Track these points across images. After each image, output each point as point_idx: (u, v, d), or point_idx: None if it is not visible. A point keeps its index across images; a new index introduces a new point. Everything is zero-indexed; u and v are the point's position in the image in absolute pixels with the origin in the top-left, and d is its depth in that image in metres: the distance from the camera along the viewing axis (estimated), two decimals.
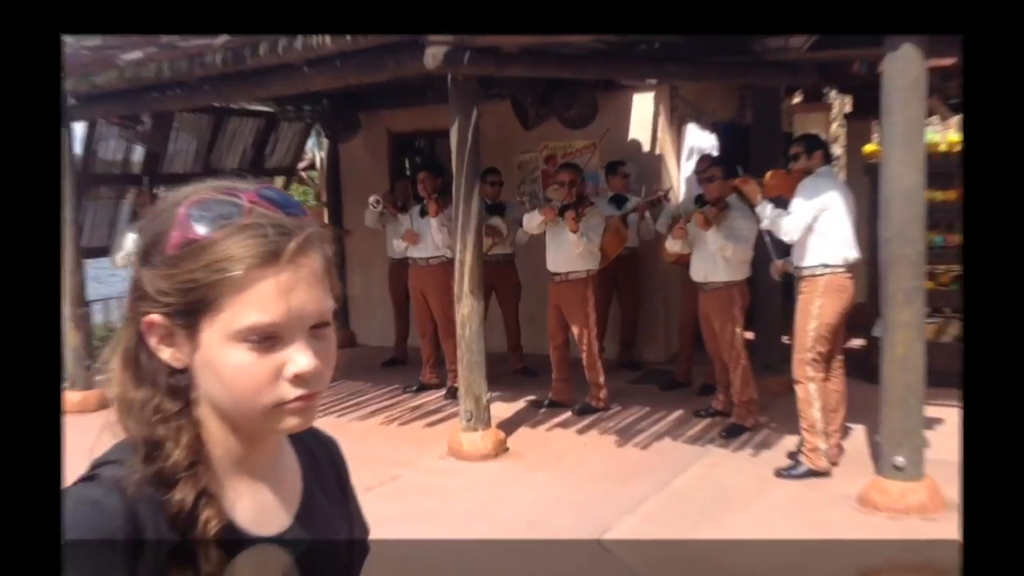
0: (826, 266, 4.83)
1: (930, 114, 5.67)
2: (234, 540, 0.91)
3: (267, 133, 9.00)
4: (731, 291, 5.61)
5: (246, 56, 5.47)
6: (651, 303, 7.80)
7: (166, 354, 0.91)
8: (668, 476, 4.94)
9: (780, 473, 4.85)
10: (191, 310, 0.88)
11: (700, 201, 6.24)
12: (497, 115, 7.36)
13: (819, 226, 4.82)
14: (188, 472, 0.89)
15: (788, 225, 4.82)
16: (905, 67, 4.18)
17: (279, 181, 9.59)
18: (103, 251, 8.07)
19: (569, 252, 6.08)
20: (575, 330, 6.24)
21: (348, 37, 5.00)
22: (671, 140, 7.88)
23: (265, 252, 0.88)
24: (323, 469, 1.08)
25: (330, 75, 5.64)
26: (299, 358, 0.88)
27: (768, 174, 5.11)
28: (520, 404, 6.46)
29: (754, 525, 4.26)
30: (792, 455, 5.03)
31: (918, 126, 4.30)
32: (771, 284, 6.60)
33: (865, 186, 7.13)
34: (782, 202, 5.12)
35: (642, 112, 7.79)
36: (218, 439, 0.93)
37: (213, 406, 0.92)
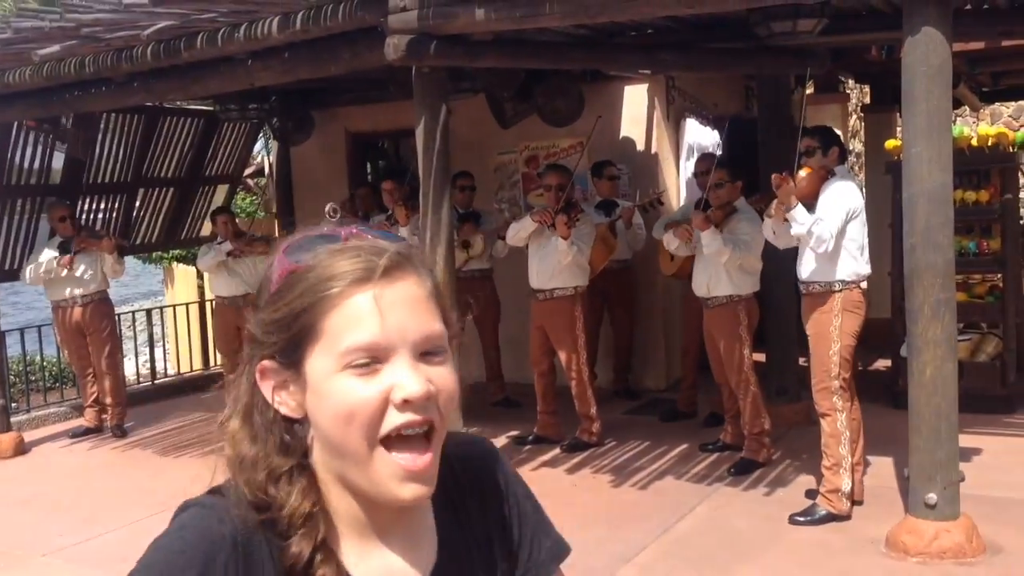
0: (844, 282, 4.84)
1: (958, 105, 5.73)
2: None
3: (207, 136, 8.98)
4: (736, 307, 5.63)
5: (181, 48, 5.46)
6: (649, 323, 7.81)
7: (281, 403, 1.00)
8: (670, 520, 4.92)
9: (795, 519, 4.84)
10: (295, 342, 0.98)
11: (702, 205, 6.26)
12: (470, 112, 7.37)
13: (842, 237, 4.84)
14: (305, 525, 0.98)
15: (825, 233, 4.77)
16: (928, 51, 4.22)
17: (222, 190, 9.55)
18: (14, 274, 8.00)
19: (554, 265, 6.08)
20: (562, 355, 6.23)
21: (297, 25, 5.00)
22: (668, 137, 7.93)
23: (359, 269, 0.97)
24: (469, 503, 1.12)
25: (278, 69, 5.64)
26: (405, 381, 0.95)
27: (802, 173, 5.04)
28: (502, 440, 6.44)
29: (770, 574, 4.24)
30: (811, 493, 5.03)
31: (944, 117, 4.34)
32: (784, 298, 6.63)
33: (887, 186, 7.21)
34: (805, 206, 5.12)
35: (635, 106, 7.83)
36: (338, 496, 1.01)
37: (329, 463, 1.00)
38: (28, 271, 7.39)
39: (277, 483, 0.99)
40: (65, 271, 7.18)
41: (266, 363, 1.00)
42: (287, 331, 0.98)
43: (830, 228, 4.79)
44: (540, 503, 1.19)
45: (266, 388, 1.01)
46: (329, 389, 0.96)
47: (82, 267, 7.27)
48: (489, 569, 1.11)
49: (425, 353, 0.98)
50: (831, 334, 4.83)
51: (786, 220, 4.88)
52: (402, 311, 0.97)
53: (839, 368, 4.82)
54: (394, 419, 0.96)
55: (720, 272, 5.59)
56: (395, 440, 0.97)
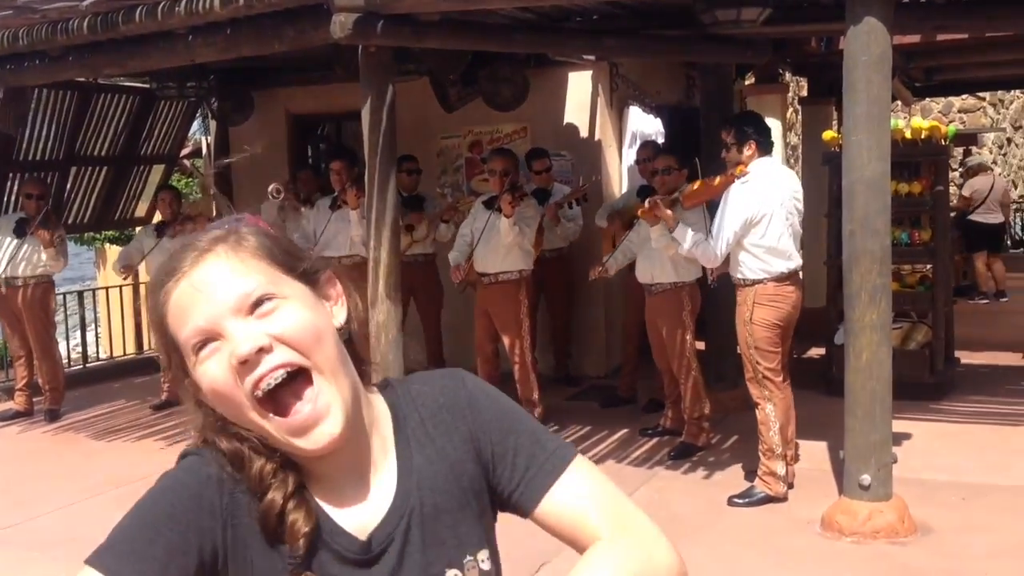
0: (754, 280, 4.90)
1: (891, 98, 5.85)
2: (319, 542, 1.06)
3: (143, 114, 8.77)
4: (680, 293, 5.69)
5: (119, 22, 5.33)
6: (590, 310, 7.86)
7: (205, 402, 1.09)
8: None
9: (734, 501, 4.93)
10: (171, 358, 1.08)
11: (643, 193, 6.31)
12: (413, 95, 7.32)
13: (747, 241, 4.87)
14: (275, 479, 1.06)
15: (709, 253, 4.90)
16: (870, 41, 4.31)
17: (158, 170, 9.35)
18: None
19: (499, 247, 6.08)
20: (506, 340, 6.24)
21: (241, 1, 4.91)
22: (611, 124, 7.98)
23: (170, 270, 1.07)
24: (439, 428, 1.15)
25: (220, 46, 5.53)
26: (235, 346, 1.02)
27: (694, 184, 5.14)
28: None
29: (711, 554, 4.31)
30: (749, 476, 5.12)
31: (884, 107, 4.44)
32: (724, 287, 6.73)
33: (824, 176, 7.35)
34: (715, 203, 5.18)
35: (579, 92, 7.86)
36: (300, 461, 1.09)
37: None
38: None
39: (238, 456, 1.07)
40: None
41: (187, 380, 1.09)
42: (168, 353, 1.08)
43: (718, 246, 4.87)
44: (529, 418, 1.18)
45: (198, 389, 1.08)
46: (199, 381, 1.05)
47: (26, 249, 7.07)
48: (460, 493, 1.13)
49: (255, 308, 1.04)
50: (746, 327, 4.91)
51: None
52: (211, 286, 1.04)
53: (758, 358, 4.87)
54: (248, 383, 1.03)
55: (664, 260, 5.63)
56: (282, 394, 1.03)
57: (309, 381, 1.04)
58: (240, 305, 1.03)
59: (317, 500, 1.09)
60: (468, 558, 1.12)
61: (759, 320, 4.86)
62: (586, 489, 1.12)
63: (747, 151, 4.95)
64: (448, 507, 1.12)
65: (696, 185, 5.09)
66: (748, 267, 4.90)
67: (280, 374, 1.02)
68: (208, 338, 1.03)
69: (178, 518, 1.04)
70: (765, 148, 5.00)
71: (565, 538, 1.12)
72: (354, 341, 1.13)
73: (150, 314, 1.10)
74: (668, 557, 1.08)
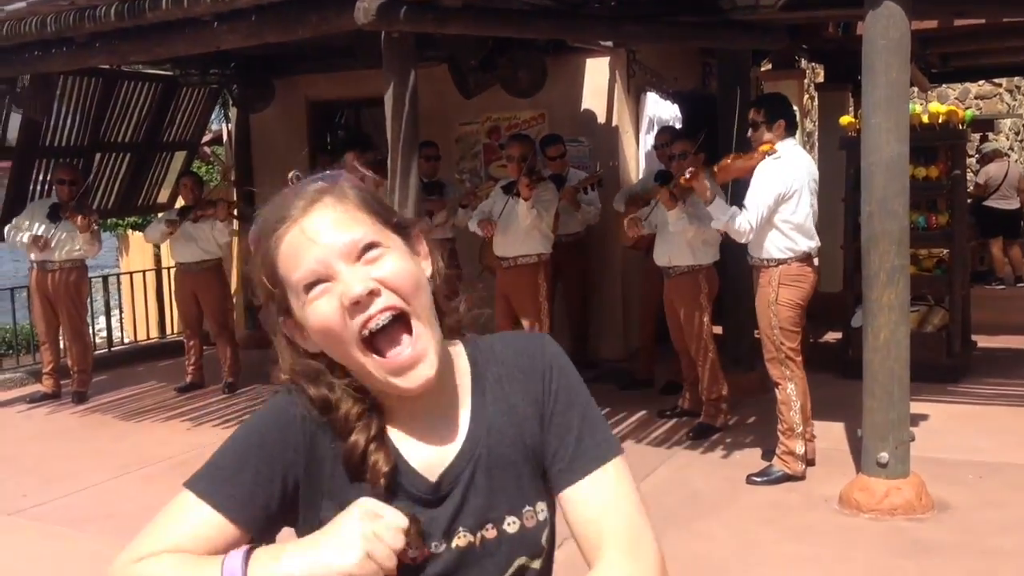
0: (779, 260, 4.95)
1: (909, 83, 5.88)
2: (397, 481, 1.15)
3: (166, 101, 8.86)
4: (697, 276, 5.75)
5: (145, 8, 5.40)
6: (607, 294, 7.92)
7: (304, 345, 1.17)
8: None
9: (752, 479, 5.00)
10: (276, 300, 1.16)
11: (662, 178, 6.36)
12: (433, 82, 7.38)
13: (777, 218, 4.93)
14: (359, 422, 1.14)
15: (744, 227, 4.88)
16: (889, 25, 4.35)
17: (180, 157, 9.45)
18: None
19: (518, 231, 6.14)
20: (525, 323, 6.31)
21: None
22: (628, 110, 8.02)
23: (281, 216, 1.14)
24: (513, 384, 1.22)
25: (244, 32, 5.58)
26: (345, 286, 1.10)
27: (727, 159, 5.14)
28: None
29: (728, 530, 4.39)
30: (767, 455, 5.19)
31: (902, 90, 4.48)
32: (741, 270, 6.78)
33: (841, 162, 7.38)
34: (742, 185, 5.22)
35: (596, 79, 7.91)
36: (381, 395, 1.17)
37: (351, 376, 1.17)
38: (9, 233, 7.33)
39: (325, 402, 1.15)
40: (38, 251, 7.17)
41: (283, 319, 1.18)
42: (271, 293, 1.16)
43: (750, 218, 4.86)
44: (592, 402, 1.24)
45: (293, 335, 1.18)
46: (307, 319, 1.13)
47: (62, 234, 7.18)
48: (524, 449, 1.19)
49: (364, 253, 1.12)
50: (770, 307, 4.96)
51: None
52: (325, 231, 1.12)
53: (782, 338, 4.93)
54: (356, 322, 1.10)
55: (682, 243, 5.70)
56: (380, 338, 1.11)
57: (406, 327, 1.11)
58: (350, 250, 1.11)
59: (393, 442, 1.17)
60: (527, 507, 1.18)
61: (784, 300, 4.93)
62: (610, 496, 1.17)
63: (776, 130, 5.03)
64: (513, 459, 1.18)
65: (729, 159, 5.12)
66: (775, 246, 4.95)
67: (387, 316, 1.10)
68: (320, 279, 1.10)
69: (266, 450, 1.15)
70: (791, 129, 5.12)
71: (574, 532, 1.18)
72: (436, 296, 1.20)
73: (258, 259, 1.16)
74: None
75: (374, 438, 1.14)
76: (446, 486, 1.16)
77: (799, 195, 4.95)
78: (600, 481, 1.17)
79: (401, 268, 1.12)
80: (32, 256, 7.31)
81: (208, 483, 1.14)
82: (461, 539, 1.15)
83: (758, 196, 4.90)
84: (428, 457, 1.17)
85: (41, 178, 8.16)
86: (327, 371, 1.17)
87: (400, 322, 1.11)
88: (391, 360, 1.11)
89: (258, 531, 1.13)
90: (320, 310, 1.11)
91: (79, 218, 7.07)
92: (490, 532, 1.16)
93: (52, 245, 7.17)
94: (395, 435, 1.18)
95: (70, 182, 7.31)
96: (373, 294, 1.10)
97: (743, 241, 5.00)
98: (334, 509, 1.11)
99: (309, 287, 1.11)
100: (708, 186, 4.97)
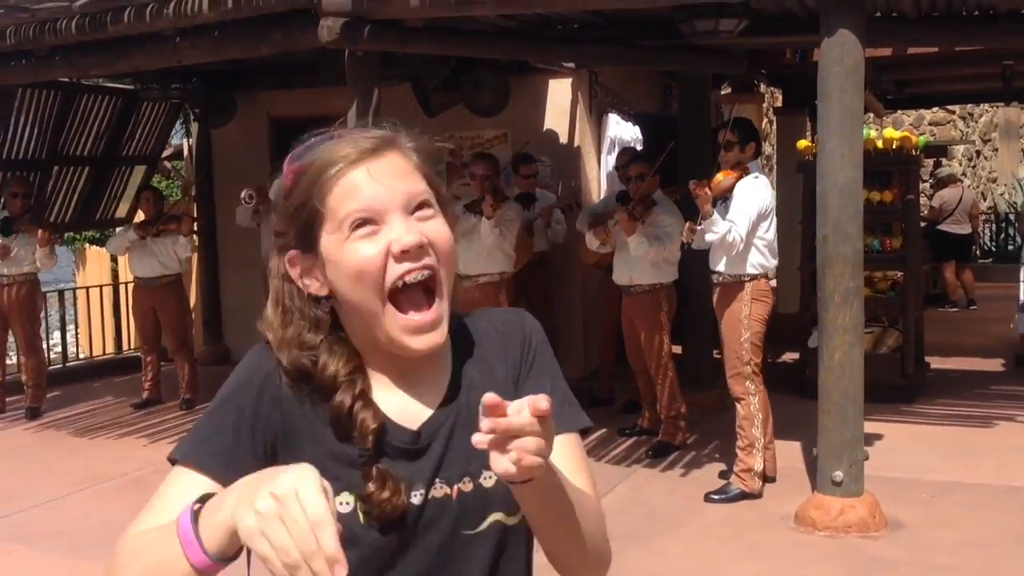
0: (752, 275, 5.07)
1: (864, 110, 6.01)
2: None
3: (126, 114, 8.79)
4: (657, 295, 5.82)
5: (107, 22, 5.38)
6: (568, 313, 7.96)
7: (308, 284, 1.18)
8: None
9: (710, 497, 5.05)
10: (307, 227, 1.15)
11: (622, 198, 6.43)
12: (395, 100, 7.37)
13: (754, 236, 5.05)
14: (347, 379, 1.16)
15: (737, 239, 4.93)
16: (843, 52, 4.46)
17: (139, 171, 9.38)
18: None
19: (480, 249, 6.17)
20: None
21: (229, 4, 4.98)
22: (590, 131, 8.09)
23: (349, 152, 1.14)
24: (491, 356, 1.25)
25: (206, 48, 5.59)
26: (399, 233, 1.12)
27: (719, 176, 5.22)
28: None
29: (687, 547, 4.43)
30: (724, 474, 5.24)
31: (856, 116, 4.59)
32: (699, 290, 6.86)
33: (798, 185, 7.51)
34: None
35: (559, 99, 7.97)
36: (368, 354, 1.19)
37: (357, 328, 1.18)
38: None
39: (312, 351, 1.16)
40: None
41: (292, 253, 1.17)
42: (299, 220, 1.16)
43: (741, 232, 4.96)
44: (563, 379, 1.30)
45: (295, 274, 1.18)
46: (341, 254, 1.13)
47: (16, 248, 7.09)
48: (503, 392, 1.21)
49: (416, 210, 1.14)
50: (742, 322, 5.05)
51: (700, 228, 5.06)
52: (389, 178, 1.14)
53: (750, 354, 5.03)
54: (396, 270, 1.12)
55: (643, 262, 5.77)
56: (403, 297, 1.13)
57: (428, 292, 1.14)
58: (408, 202, 1.14)
59: (375, 398, 1.18)
60: None
61: (756, 316, 5.05)
62: (575, 461, 1.23)
63: (747, 151, 5.20)
64: None
65: (720, 176, 5.21)
66: (750, 262, 5.06)
67: (425, 273, 1.13)
68: (371, 219, 1.12)
69: (241, 405, 1.16)
70: (759, 152, 5.34)
71: None
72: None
73: (302, 184, 1.15)
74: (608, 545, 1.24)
75: (359, 396, 1.16)
76: (425, 438, 1.18)
77: (772, 214, 5.14)
78: (567, 443, 1.22)
79: (445, 233, 1.16)
80: None
81: (189, 447, 1.15)
82: (438, 490, 1.18)
83: (744, 211, 5.01)
84: (409, 410, 1.20)
85: None
86: (325, 322, 1.18)
87: (421, 286, 1.14)
88: (412, 319, 1.13)
89: None
90: (362, 250, 1.12)
91: (40, 232, 6.99)
92: (467, 485, 1.19)
93: (11, 254, 7.08)
94: (378, 390, 1.19)
95: (23, 195, 7.23)
96: (423, 248, 1.13)
97: (732, 253, 5.02)
98: (318, 456, 1.12)
99: (357, 225, 1.12)
100: (709, 198, 4.97)
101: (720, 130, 5.35)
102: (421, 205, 1.15)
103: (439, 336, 1.15)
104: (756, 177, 5.16)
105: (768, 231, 5.10)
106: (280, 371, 1.17)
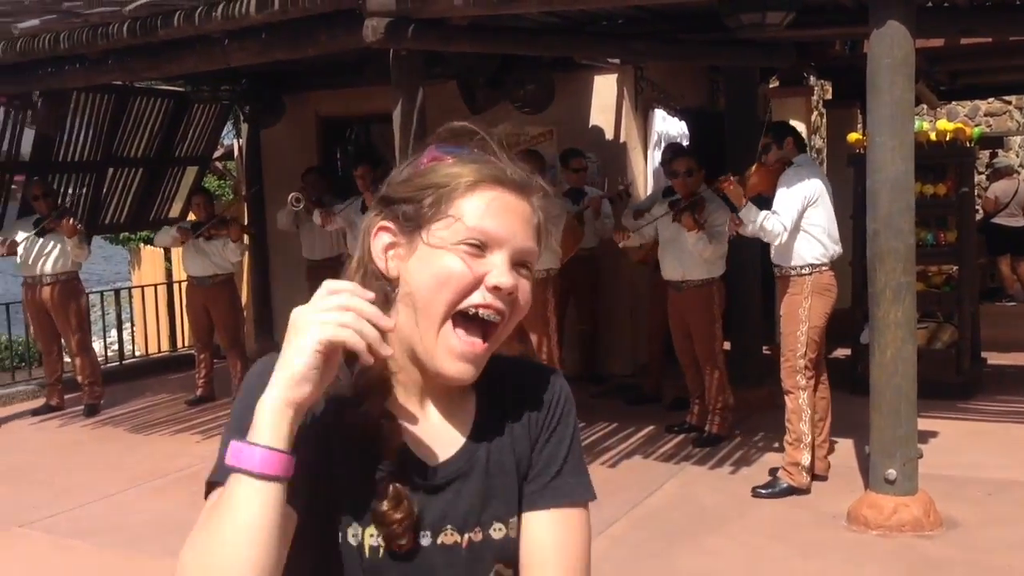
0: (812, 265, 5.01)
1: (916, 102, 5.90)
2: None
3: (177, 117, 8.93)
4: (710, 289, 5.83)
5: (157, 26, 5.45)
6: (615, 310, 7.93)
7: (382, 259, 1.16)
8: (640, 495, 5.05)
9: (757, 492, 5.00)
10: (423, 211, 1.14)
11: (668, 193, 6.39)
12: (440, 98, 7.39)
13: (805, 223, 5.00)
14: (378, 391, 1.13)
15: (777, 228, 4.94)
16: (893, 44, 4.37)
17: (191, 172, 9.51)
18: None
19: None
20: (533, 338, 6.31)
21: (275, 6, 5.02)
22: (636, 127, 8.05)
23: (497, 173, 1.15)
24: (517, 408, 1.23)
25: (254, 50, 5.64)
26: (501, 271, 1.12)
27: (751, 170, 5.23)
28: None
29: (737, 546, 4.38)
30: (774, 471, 5.18)
31: (907, 108, 4.49)
32: (749, 287, 6.79)
33: (849, 179, 7.39)
34: (761, 199, 5.29)
35: (604, 96, 7.94)
36: (402, 365, 1.17)
37: (404, 330, 1.14)
38: None
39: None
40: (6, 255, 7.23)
41: (388, 223, 1.17)
42: (419, 201, 1.14)
43: (783, 220, 4.93)
44: (580, 445, 1.27)
45: (377, 244, 1.17)
46: (440, 256, 1.12)
47: (50, 247, 7.24)
48: (515, 465, 1.21)
49: (518, 264, 1.14)
50: (800, 315, 4.99)
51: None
52: (517, 219, 1.15)
53: (806, 348, 4.97)
54: (477, 297, 1.12)
55: (694, 258, 5.74)
56: (462, 323, 1.12)
57: (486, 333, 1.13)
58: (519, 254, 1.14)
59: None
60: (512, 518, 1.19)
61: (816, 310, 4.98)
62: (571, 537, 1.20)
63: (786, 147, 5.17)
64: (508, 468, 1.20)
65: (753, 170, 5.20)
66: (809, 252, 5.00)
67: (495, 316, 1.13)
68: (486, 244, 1.12)
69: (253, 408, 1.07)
70: (800, 145, 5.28)
71: (521, 553, 1.19)
72: None
73: (455, 170, 1.15)
74: None
75: (386, 411, 1.14)
76: (441, 478, 1.16)
77: (822, 200, 5.06)
78: (566, 518, 1.20)
79: (529, 298, 1.17)
80: (23, 272, 7.36)
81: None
82: (448, 536, 1.15)
83: (787, 202, 4.99)
84: (428, 445, 1.18)
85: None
86: (393, 302, 1.15)
87: (482, 324, 1.13)
88: (463, 341, 1.12)
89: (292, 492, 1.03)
90: (459, 264, 1.11)
91: (65, 221, 7.10)
92: (477, 535, 1.17)
93: (40, 258, 7.21)
94: (402, 419, 1.17)
95: (43, 195, 7.35)
96: (510, 295, 1.13)
97: (776, 243, 5.02)
98: (341, 463, 1.12)
99: (473, 243, 1.12)
100: (742, 192, 5.05)
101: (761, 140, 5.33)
102: (525, 263, 1.15)
103: (474, 372, 1.14)
104: (798, 168, 5.11)
105: (821, 218, 5.03)
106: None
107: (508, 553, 1.19)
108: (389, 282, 1.16)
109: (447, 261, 1.12)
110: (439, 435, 1.19)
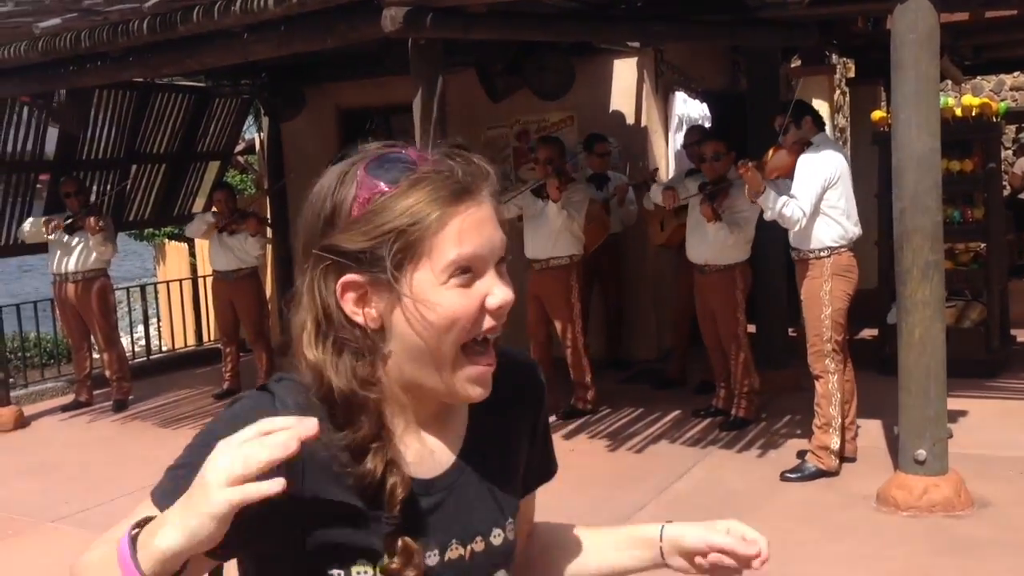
0: (831, 248, 4.94)
1: (941, 77, 5.83)
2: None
3: (199, 112, 8.98)
4: (733, 273, 5.79)
5: (177, 22, 5.47)
6: (639, 295, 7.91)
7: (361, 316, 1.06)
8: (667, 480, 5.04)
9: (786, 476, 4.98)
10: (394, 258, 1.03)
11: (691, 175, 6.35)
12: (460, 86, 7.41)
13: (824, 205, 4.93)
14: (377, 443, 1.05)
15: (796, 214, 4.87)
16: (917, 19, 4.31)
17: (214, 167, 9.56)
18: (9, 249, 8.03)
19: (549, 233, 6.16)
20: (558, 325, 6.32)
21: None
22: (657, 110, 8.00)
23: (455, 190, 1.04)
24: (507, 406, 1.20)
25: (273, 42, 5.65)
26: (497, 290, 1.06)
27: (768, 153, 5.16)
28: None
29: (767, 529, 4.33)
30: (801, 454, 5.15)
31: (932, 84, 4.44)
32: (773, 268, 6.75)
33: (873, 157, 7.32)
34: (781, 181, 5.23)
35: (624, 80, 7.90)
36: (398, 401, 1.10)
37: (401, 369, 1.07)
38: (26, 224, 7.57)
39: (366, 388, 1.04)
40: (52, 236, 7.29)
41: (351, 277, 1.05)
42: (386, 248, 1.03)
43: (802, 205, 4.86)
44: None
45: (347, 301, 1.06)
46: (435, 300, 1.03)
47: (79, 245, 7.30)
48: (508, 465, 1.21)
49: (499, 264, 1.07)
50: (822, 299, 4.94)
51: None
52: (488, 227, 1.06)
53: (831, 331, 4.92)
54: (486, 323, 1.05)
55: (717, 242, 5.71)
56: (469, 346, 1.06)
57: (487, 348, 1.08)
58: (500, 255, 1.07)
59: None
60: (509, 520, 1.18)
61: (837, 292, 4.91)
62: (533, 508, 1.34)
63: (805, 126, 5.08)
64: (503, 471, 1.18)
65: (771, 153, 5.12)
66: (827, 235, 4.93)
67: (498, 333, 1.07)
68: (471, 268, 1.04)
69: None
70: (819, 124, 5.18)
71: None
72: None
73: (408, 201, 1.03)
74: None
75: (391, 461, 1.05)
76: (439, 490, 1.12)
77: (843, 180, 4.98)
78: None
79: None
80: (51, 269, 7.44)
81: (161, 494, 1.04)
82: (453, 551, 1.11)
83: (806, 185, 4.91)
84: (425, 460, 1.12)
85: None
86: (384, 358, 1.06)
87: (487, 342, 1.08)
88: (480, 368, 1.07)
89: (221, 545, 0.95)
90: (458, 301, 1.03)
91: (90, 219, 7.17)
92: (479, 544, 1.14)
93: (70, 256, 7.29)
94: (399, 448, 1.10)
95: (76, 193, 7.43)
96: (509, 306, 1.07)
97: (795, 229, 4.96)
98: (329, 516, 1.04)
99: (460, 271, 1.03)
100: (760, 179, 4.94)
101: (773, 118, 5.23)
102: (502, 259, 1.08)
103: (490, 387, 1.09)
104: (817, 148, 5.02)
105: (840, 199, 4.95)
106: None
107: (507, 556, 1.18)
108: (366, 335, 1.06)
109: (445, 302, 1.03)
110: (434, 450, 1.14)
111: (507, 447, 1.20)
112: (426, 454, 1.12)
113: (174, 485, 1.01)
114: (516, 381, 1.22)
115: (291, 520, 1.03)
